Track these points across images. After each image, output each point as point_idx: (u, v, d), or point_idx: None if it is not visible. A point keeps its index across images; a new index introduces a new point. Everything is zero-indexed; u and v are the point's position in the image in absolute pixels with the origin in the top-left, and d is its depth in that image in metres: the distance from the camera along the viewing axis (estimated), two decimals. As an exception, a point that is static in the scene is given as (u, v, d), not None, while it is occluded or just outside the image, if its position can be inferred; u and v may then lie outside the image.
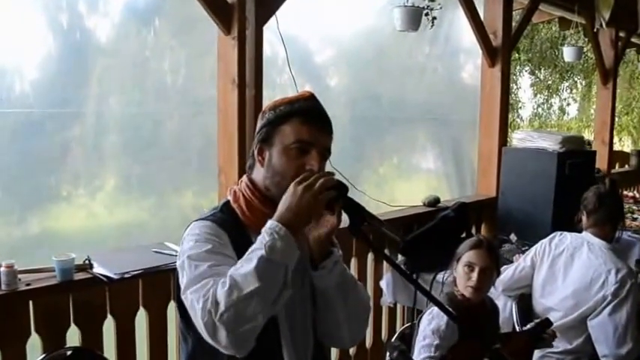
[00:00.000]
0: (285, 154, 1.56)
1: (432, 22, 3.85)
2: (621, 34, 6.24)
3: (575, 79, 11.65)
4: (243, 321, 1.37)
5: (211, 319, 1.36)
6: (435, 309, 2.30)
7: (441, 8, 3.88)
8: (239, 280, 1.37)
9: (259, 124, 1.65)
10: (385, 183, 4.60)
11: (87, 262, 2.45)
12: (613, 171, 6.63)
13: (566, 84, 11.75)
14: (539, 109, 11.65)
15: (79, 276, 2.39)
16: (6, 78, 2.72)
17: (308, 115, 1.57)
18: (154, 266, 2.53)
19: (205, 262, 1.47)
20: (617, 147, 10.88)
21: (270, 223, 1.43)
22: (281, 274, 1.40)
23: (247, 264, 1.39)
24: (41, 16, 2.76)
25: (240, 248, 1.53)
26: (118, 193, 3.20)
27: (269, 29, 3.00)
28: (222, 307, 1.35)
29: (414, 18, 3.65)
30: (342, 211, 1.51)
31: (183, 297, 1.47)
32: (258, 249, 1.40)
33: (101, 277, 2.41)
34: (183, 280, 1.49)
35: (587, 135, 10.29)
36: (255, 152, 1.63)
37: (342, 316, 1.64)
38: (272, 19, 2.97)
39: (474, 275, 2.40)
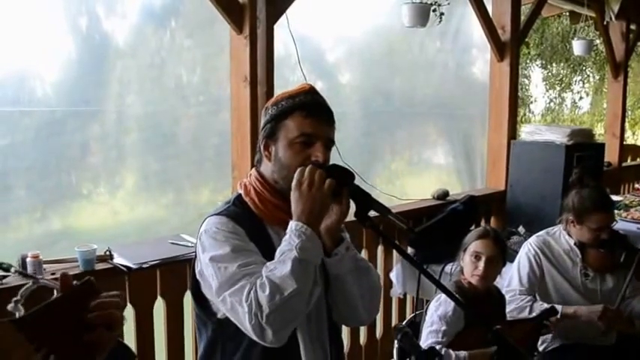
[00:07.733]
0: (290, 147, 1.62)
1: (440, 18, 3.90)
2: (632, 27, 6.21)
3: (588, 72, 11.57)
4: (288, 320, 1.49)
5: (258, 322, 1.46)
6: (443, 296, 2.36)
7: (448, 4, 3.93)
8: (278, 282, 1.46)
9: (263, 120, 1.70)
10: (397, 178, 4.65)
11: (108, 253, 2.55)
12: (624, 164, 6.65)
13: (579, 77, 11.67)
14: (552, 104, 11.58)
15: (100, 266, 2.49)
16: (28, 82, 2.79)
17: (310, 109, 1.63)
18: (170, 257, 2.63)
19: (233, 262, 1.54)
20: (630, 141, 10.81)
21: (295, 224, 1.51)
22: (311, 272, 1.51)
23: (282, 266, 1.48)
24: (62, 21, 2.83)
25: (259, 240, 1.62)
26: (137, 190, 3.27)
27: (283, 28, 3.07)
28: (266, 310, 1.45)
29: (422, 14, 3.71)
30: (350, 199, 1.59)
31: (219, 299, 1.54)
32: (289, 250, 1.49)
33: (121, 267, 2.50)
34: (211, 281, 1.56)
35: (600, 129, 10.23)
36: (262, 147, 1.69)
37: (357, 299, 1.70)
38: (283, 19, 3.05)
39: (481, 264, 2.47)
